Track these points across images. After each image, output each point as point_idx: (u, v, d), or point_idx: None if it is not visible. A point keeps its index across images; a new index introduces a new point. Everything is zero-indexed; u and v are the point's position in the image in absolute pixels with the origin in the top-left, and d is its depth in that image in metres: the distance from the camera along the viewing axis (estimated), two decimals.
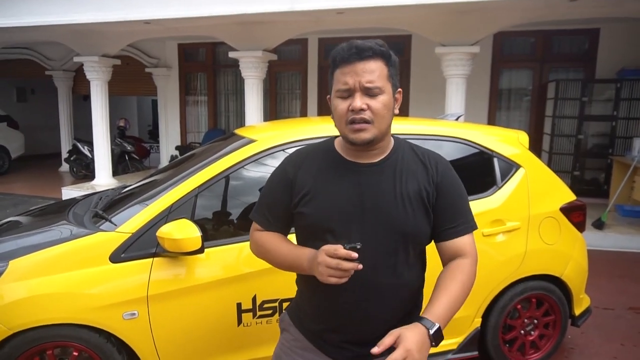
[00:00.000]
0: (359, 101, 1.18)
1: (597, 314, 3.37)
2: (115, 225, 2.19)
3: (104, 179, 7.52)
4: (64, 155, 10.06)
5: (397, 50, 8.14)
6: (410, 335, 1.10)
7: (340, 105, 1.22)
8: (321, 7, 5.19)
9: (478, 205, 2.51)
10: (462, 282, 1.26)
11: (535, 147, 7.69)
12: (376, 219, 1.25)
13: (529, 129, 7.85)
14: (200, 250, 2.01)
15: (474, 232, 1.36)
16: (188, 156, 2.95)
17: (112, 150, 8.21)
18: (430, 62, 6.88)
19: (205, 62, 9.61)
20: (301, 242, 1.36)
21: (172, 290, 2.10)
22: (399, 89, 1.27)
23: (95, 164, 7.68)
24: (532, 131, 7.82)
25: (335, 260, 1.12)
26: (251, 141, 2.38)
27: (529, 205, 2.61)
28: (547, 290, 2.68)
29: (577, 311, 2.82)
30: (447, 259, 1.33)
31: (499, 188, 2.60)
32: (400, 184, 1.27)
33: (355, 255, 1.11)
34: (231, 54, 6.78)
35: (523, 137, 2.80)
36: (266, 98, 8.66)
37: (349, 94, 1.20)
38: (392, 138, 1.34)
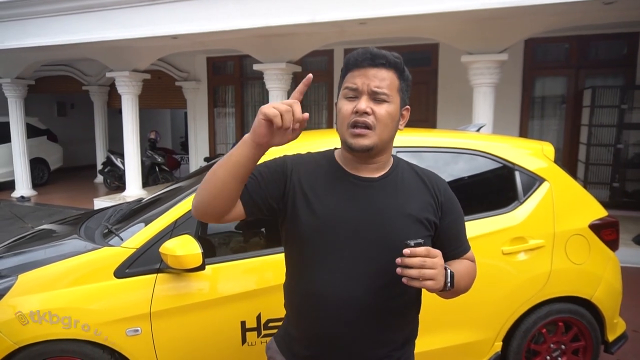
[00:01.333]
0: (364, 103, 1.16)
1: (636, 339, 3.10)
2: (122, 240, 2.19)
3: (134, 190, 7.72)
4: (99, 167, 10.41)
5: (423, 59, 8.11)
6: (440, 254, 1.11)
7: (345, 107, 1.19)
8: (342, 18, 5.15)
9: (497, 222, 2.38)
10: (468, 271, 1.31)
11: (570, 157, 7.36)
12: (373, 236, 1.19)
13: (564, 138, 7.52)
14: (201, 267, 1.97)
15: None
16: (200, 170, 2.94)
17: (143, 162, 8.42)
18: (459, 71, 6.71)
19: (233, 75, 9.76)
20: (289, 250, 1.31)
21: (176, 307, 2.07)
22: (407, 107, 1.26)
23: (126, 176, 7.89)
24: (567, 141, 7.49)
25: (285, 106, 1.02)
26: None
27: (554, 222, 2.44)
28: (576, 314, 2.49)
29: (611, 337, 2.60)
30: None
31: (521, 203, 2.44)
32: (402, 202, 1.23)
33: (306, 116, 1.05)
34: (255, 67, 6.84)
35: (548, 149, 2.64)
36: None
37: (355, 95, 1.18)
38: (391, 156, 1.31)
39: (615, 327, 2.64)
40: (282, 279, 2.20)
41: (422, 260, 1.05)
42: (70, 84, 11.16)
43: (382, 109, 1.16)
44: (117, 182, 9.55)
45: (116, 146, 10.69)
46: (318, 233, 1.21)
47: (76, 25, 6.27)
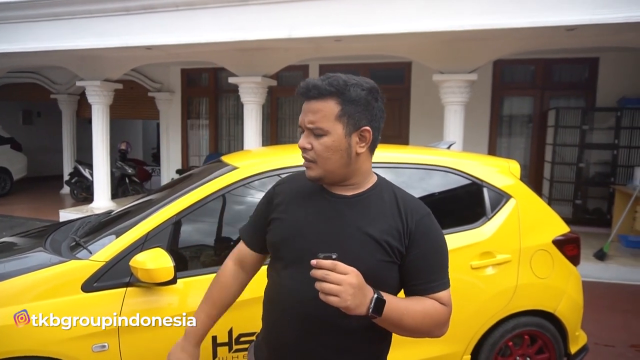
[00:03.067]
0: (302, 140, 1.21)
1: (597, 351, 3.22)
2: (91, 252, 2.14)
3: (102, 201, 7.52)
4: (66, 177, 10.11)
5: (397, 77, 8.29)
6: (357, 274, 1.06)
7: (300, 140, 1.24)
8: (319, 35, 5.24)
9: (467, 237, 2.45)
10: (427, 311, 1.17)
11: (536, 174, 7.63)
12: (329, 250, 1.15)
13: (530, 156, 7.80)
14: (173, 281, 1.94)
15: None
16: (174, 182, 2.91)
17: (113, 173, 8.23)
18: (430, 89, 6.90)
19: (207, 87, 9.73)
20: (269, 263, 1.37)
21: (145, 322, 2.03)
22: (364, 127, 1.18)
23: (94, 187, 7.69)
24: (533, 159, 7.77)
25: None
26: (233, 168, 2.34)
27: (520, 237, 2.53)
28: (540, 327, 2.57)
29: (573, 349, 2.69)
30: None
31: (489, 219, 2.52)
32: (366, 222, 1.20)
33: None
34: (231, 80, 6.85)
35: (514, 167, 2.74)
36: (267, 123, 8.70)
37: (301, 130, 1.23)
38: (374, 176, 1.29)
39: (577, 340, 2.73)
40: (254, 293, 2.19)
41: (324, 273, 1.02)
42: (38, 91, 10.87)
43: (318, 144, 1.17)
44: (84, 193, 9.29)
45: (84, 156, 10.42)
46: (283, 242, 1.26)
47: (47, 33, 6.14)
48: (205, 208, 2.24)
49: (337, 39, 5.54)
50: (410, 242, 1.19)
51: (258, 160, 2.46)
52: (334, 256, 1.05)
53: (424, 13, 4.82)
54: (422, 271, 1.20)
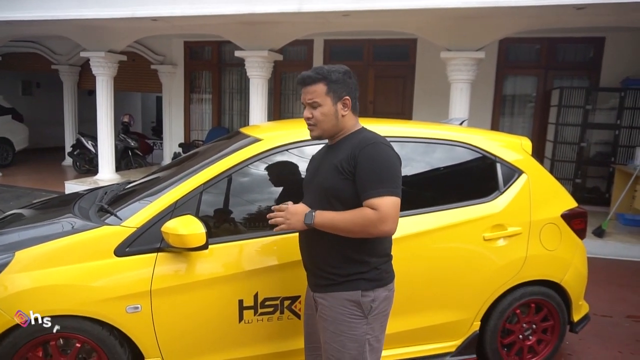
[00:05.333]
0: (305, 112, 1.79)
1: (596, 321, 3.38)
2: (121, 219, 2.21)
3: (106, 174, 7.56)
4: (68, 149, 10.11)
5: (402, 54, 8.27)
6: (291, 206, 1.73)
7: (304, 113, 1.81)
8: (328, 9, 5.22)
9: (480, 210, 2.54)
10: (354, 215, 1.63)
11: (538, 153, 7.69)
12: (316, 181, 1.81)
13: (532, 135, 7.86)
14: (204, 247, 2.02)
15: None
16: (192, 154, 2.97)
17: (116, 146, 8.24)
18: (435, 67, 6.91)
19: (210, 61, 9.65)
20: None
21: (175, 285, 2.12)
22: (345, 97, 1.75)
23: (98, 159, 7.72)
24: (535, 138, 7.83)
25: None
26: (257, 140, 2.40)
27: (530, 211, 2.63)
28: (546, 296, 2.70)
29: (576, 317, 2.83)
30: None
31: (501, 193, 2.61)
32: (334, 157, 1.74)
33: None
34: (237, 53, 6.81)
35: (526, 144, 2.82)
36: (270, 98, 8.69)
37: (304, 106, 1.79)
38: (358, 127, 1.80)
39: (580, 309, 2.87)
40: (278, 259, 2.29)
41: (274, 214, 1.73)
42: (38, 62, 10.74)
43: (316, 112, 1.75)
44: (87, 165, 9.32)
45: (85, 128, 10.39)
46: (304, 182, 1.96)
47: (53, 2, 6.06)
48: (230, 178, 2.31)
49: (345, 14, 5.51)
50: (355, 164, 1.67)
51: (280, 133, 2.52)
52: (284, 205, 1.74)
53: None
54: (360, 184, 1.65)
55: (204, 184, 2.24)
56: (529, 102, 7.97)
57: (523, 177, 2.67)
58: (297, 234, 1.92)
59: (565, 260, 2.71)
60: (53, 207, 2.96)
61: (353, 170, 1.66)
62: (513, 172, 2.67)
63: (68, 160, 10.20)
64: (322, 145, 1.94)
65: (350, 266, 1.73)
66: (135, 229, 2.14)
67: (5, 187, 8.10)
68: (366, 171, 1.64)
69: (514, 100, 8.06)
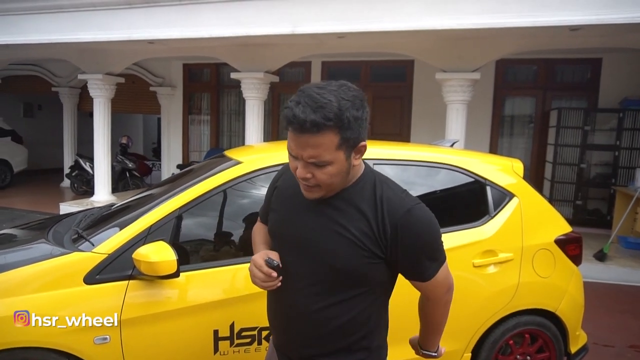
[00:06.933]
0: (302, 171, 1.15)
1: (596, 351, 3.23)
2: (93, 245, 2.13)
3: (103, 195, 7.51)
4: (66, 170, 10.10)
5: (399, 75, 8.28)
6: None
7: (291, 163, 1.20)
8: (322, 31, 5.23)
9: (469, 235, 2.44)
10: (443, 313, 1.43)
11: (537, 175, 7.63)
12: (309, 247, 1.26)
13: (531, 156, 7.80)
14: (175, 275, 1.94)
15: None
16: (176, 176, 2.91)
17: (113, 167, 8.23)
18: (433, 87, 6.89)
19: (209, 82, 9.71)
20: None
21: (147, 315, 2.02)
22: (363, 143, 1.17)
23: (95, 180, 7.69)
24: (534, 159, 7.76)
25: (259, 272, 1.29)
26: (237, 163, 2.34)
27: (522, 236, 2.53)
28: (541, 326, 2.57)
29: (573, 349, 2.70)
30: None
31: (492, 217, 2.52)
32: (336, 216, 1.22)
33: (274, 274, 1.26)
34: (233, 75, 6.83)
35: (517, 166, 2.74)
36: (268, 119, 8.69)
37: (295, 157, 1.16)
38: (361, 171, 1.27)
39: (578, 339, 2.73)
40: (254, 288, 2.19)
41: (256, 271, 1.30)
42: (39, 84, 10.84)
43: (322, 174, 1.14)
44: (84, 186, 9.29)
45: (85, 150, 10.39)
46: (274, 233, 1.40)
47: (50, 25, 6.12)
48: (208, 202, 2.24)
49: (340, 36, 5.52)
50: (391, 242, 1.19)
51: (261, 155, 2.46)
52: (274, 263, 1.28)
53: (426, 11, 4.81)
54: (408, 267, 1.25)
55: (180, 208, 2.17)
56: (527, 123, 7.92)
57: (514, 201, 2.58)
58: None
59: (560, 287, 2.59)
60: (31, 230, 2.88)
61: (386, 246, 1.20)
62: (504, 196, 2.58)
63: (66, 182, 10.18)
64: None
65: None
66: (107, 255, 2.06)
67: (1, 209, 8.06)
68: (418, 251, 1.22)
69: (512, 121, 8.02)
